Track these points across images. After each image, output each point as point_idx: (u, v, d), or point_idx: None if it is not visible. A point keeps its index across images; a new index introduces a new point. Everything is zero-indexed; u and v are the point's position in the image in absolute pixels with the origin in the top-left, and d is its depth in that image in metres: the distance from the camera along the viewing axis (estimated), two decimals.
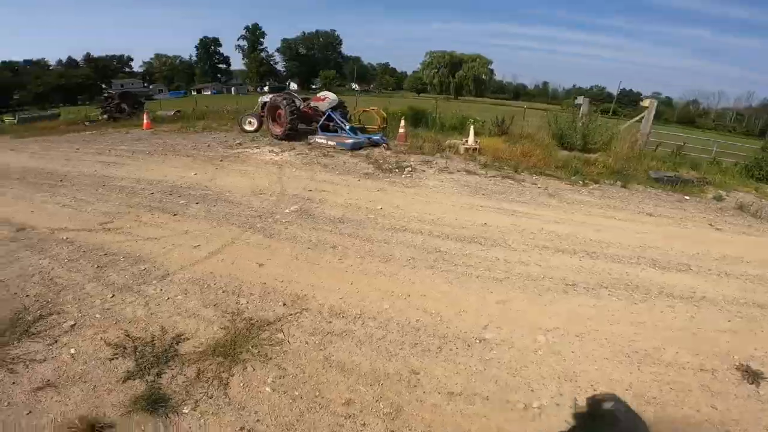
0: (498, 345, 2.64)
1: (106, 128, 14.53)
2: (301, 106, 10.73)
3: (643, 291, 3.54)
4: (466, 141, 10.08)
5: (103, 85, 63.16)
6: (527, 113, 15.57)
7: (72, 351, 2.55)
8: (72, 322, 2.89)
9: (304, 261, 3.93)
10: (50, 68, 65.43)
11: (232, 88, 77.25)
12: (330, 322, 2.91)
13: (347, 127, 10.43)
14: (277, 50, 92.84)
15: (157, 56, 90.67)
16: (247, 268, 3.78)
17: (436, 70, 76.64)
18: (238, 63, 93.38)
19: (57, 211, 5.57)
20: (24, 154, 10.20)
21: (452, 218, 5.34)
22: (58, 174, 7.74)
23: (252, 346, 2.60)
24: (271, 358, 2.51)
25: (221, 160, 8.52)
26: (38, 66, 64.69)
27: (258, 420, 2.05)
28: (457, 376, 2.35)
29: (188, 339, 2.70)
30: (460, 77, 74.20)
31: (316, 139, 10.09)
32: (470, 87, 74.28)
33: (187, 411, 2.08)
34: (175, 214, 5.33)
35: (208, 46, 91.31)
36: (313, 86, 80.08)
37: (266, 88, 68.20)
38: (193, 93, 74.95)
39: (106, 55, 77.51)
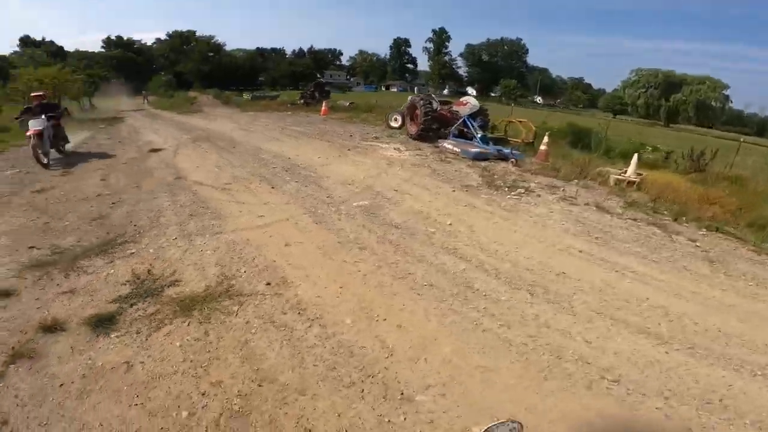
0: (418, 413, 2.03)
1: (299, 111, 17.99)
2: (438, 108, 10.69)
3: (715, 413, 2.11)
4: (624, 171, 8.08)
5: (318, 75, 77.10)
6: (752, 151, 11.21)
7: (110, 272, 3.32)
8: (133, 251, 3.75)
9: (322, 253, 3.96)
10: (286, 56, 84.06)
11: (415, 88, 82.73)
12: (284, 313, 2.85)
13: (479, 136, 9.84)
14: (460, 55, 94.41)
15: (361, 53, 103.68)
16: (275, 245, 4.07)
17: (643, 90, 63.40)
18: (424, 64, 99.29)
19: (210, 169, 7.26)
20: (235, 125, 13.76)
21: (524, 255, 4.38)
22: (237, 142, 10.06)
23: (207, 308, 2.81)
24: (208, 322, 2.66)
25: (349, 150, 9.36)
26: (278, 54, 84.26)
27: (143, 362, 2.24)
28: (336, 419, 1.94)
29: (178, 286, 3.13)
30: (676, 101, 59.29)
31: (444, 144, 9.92)
32: (689, 113, 58.52)
33: (112, 336, 2.44)
34: (272, 187, 6.18)
35: (400, 46, 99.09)
36: (492, 94, 78.09)
37: (446, 91, 70.03)
38: (382, 88, 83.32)
39: (325, 49, 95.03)
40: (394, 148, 9.69)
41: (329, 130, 12.38)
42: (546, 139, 9.61)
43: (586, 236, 5.10)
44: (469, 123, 10.31)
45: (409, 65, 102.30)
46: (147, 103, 32.60)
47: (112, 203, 5.26)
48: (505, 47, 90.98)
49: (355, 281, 3.45)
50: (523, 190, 6.86)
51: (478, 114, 10.80)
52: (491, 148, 9.36)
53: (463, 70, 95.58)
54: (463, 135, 10.42)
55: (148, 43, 66.89)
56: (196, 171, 7.07)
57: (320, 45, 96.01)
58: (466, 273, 3.84)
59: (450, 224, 5.10)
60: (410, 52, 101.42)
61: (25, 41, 57.70)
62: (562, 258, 4.41)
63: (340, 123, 14.24)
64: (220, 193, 5.82)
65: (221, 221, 4.69)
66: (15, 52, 53.95)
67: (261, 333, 2.60)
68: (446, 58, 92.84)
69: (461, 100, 11.39)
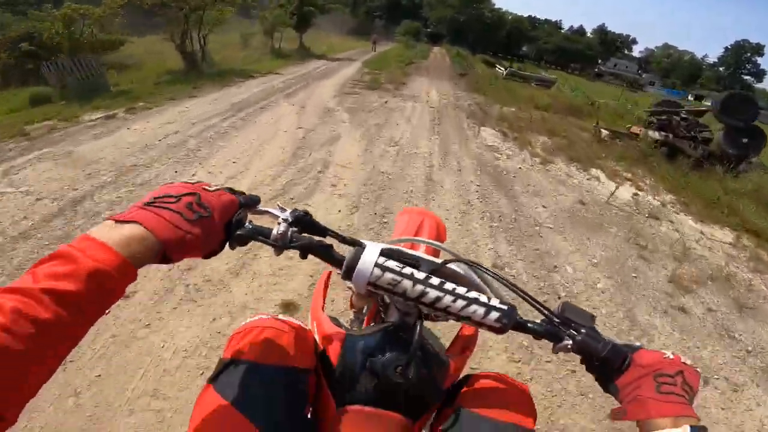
0: None
1: (653, 174, 5.26)
2: None
3: None
4: None
5: (599, 60, 58.17)
6: None
7: None
8: None
9: None
10: (560, 30, 66.08)
11: None
12: None
13: None
14: None
15: (666, 46, 78.51)
16: None
17: None
18: None
19: None
20: None
21: None
22: None
23: None
24: None
25: None
26: (552, 25, 66.93)
27: None
28: None
29: None
30: None
31: None
32: None
33: None
34: None
35: (743, 52, 67.66)
36: None
37: None
38: (689, 98, 58.34)
39: (616, 32, 71.62)
40: None
41: None
42: None
43: None
44: None
45: (747, 77, 67.66)
46: (374, 50, 25.33)
47: None
48: None
49: None
50: None
51: None
52: None
53: None
54: None
55: None
56: None
57: (615, 28, 73.58)
58: None
59: None
60: (758, 62, 66.73)
61: None
62: None
63: None
64: None
65: None
66: None
67: None
68: None
69: None
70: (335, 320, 0.61)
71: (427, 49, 29.32)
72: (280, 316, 0.60)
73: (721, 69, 68.85)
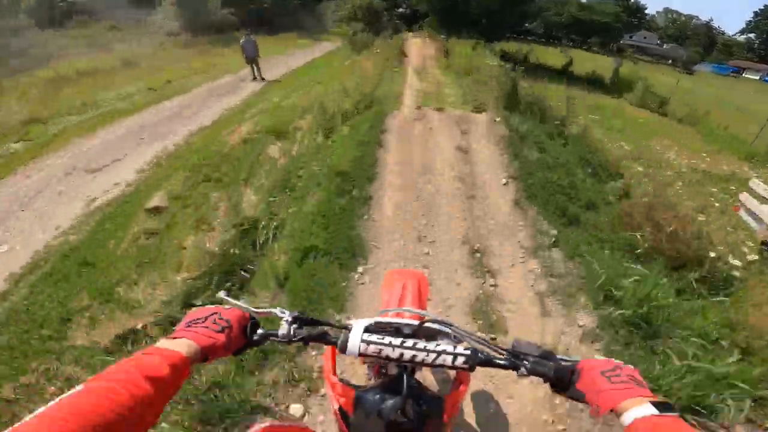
0: None
1: None
2: None
3: None
4: None
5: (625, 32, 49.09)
6: None
7: None
8: None
9: None
10: None
11: None
12: None
13: None
14: None
15: (667, 11, 71.28)
16: None
17: None
18: None
19: None
20: None
21: None
22: None
23: None
24: None
25: None
26: None
27: None
28: None
29: None
30: None
31: None
32: None
33: None
34: None
35: None
36: None
37: None
38: (729, 73, 50.81)
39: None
40: None
41: None
42: None
43: None
44: None
45: None
46: (256, 76, 10.00)
47: None
48: None
49: None
50: None
51: None
52: None
53: None
54: None
55: None
56: None
57: None
58: None
59: None
60: None
61: None
62: None
63: None
64: None
65: None
66: None
67: None
68: None
69: None
70: (345, 381, 0.78)
71: (397, 47, 12.76)
72: (282, 422, 0.82)
73: (751, 36, 56.93)
